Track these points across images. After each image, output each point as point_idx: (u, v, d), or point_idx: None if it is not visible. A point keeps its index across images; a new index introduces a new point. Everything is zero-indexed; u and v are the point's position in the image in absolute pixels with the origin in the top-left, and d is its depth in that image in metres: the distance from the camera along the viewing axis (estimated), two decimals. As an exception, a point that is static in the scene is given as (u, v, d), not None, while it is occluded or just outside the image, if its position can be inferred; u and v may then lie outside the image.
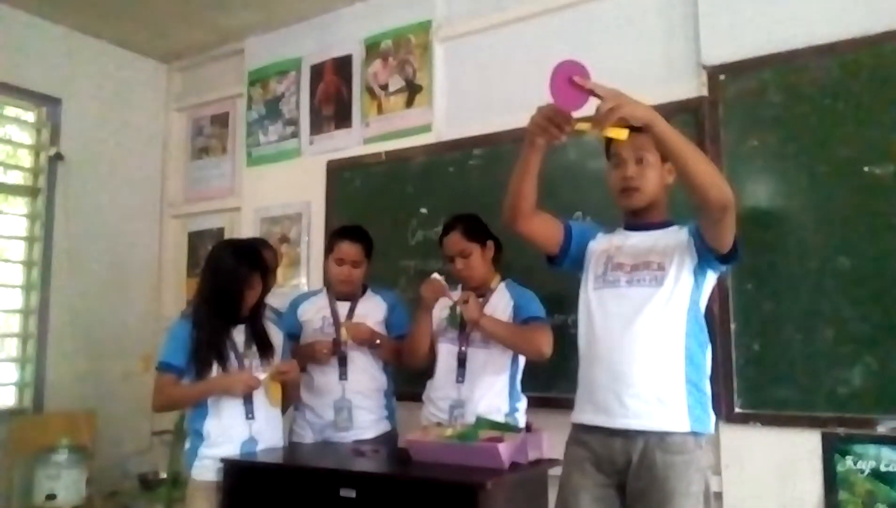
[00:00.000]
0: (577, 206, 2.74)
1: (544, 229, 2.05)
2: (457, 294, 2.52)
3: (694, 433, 1.83)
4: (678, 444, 1.81)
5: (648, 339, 1.86)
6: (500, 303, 2.56)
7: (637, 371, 1.85)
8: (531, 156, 1.87)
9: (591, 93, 1.68)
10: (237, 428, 2.46)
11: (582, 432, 1.95)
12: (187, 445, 2.53)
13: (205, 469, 2.44)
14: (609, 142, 1.96)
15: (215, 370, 2.45)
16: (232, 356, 2.49)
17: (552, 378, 2.67)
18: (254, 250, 2.63)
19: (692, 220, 1.91)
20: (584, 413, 1.94)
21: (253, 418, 2.48)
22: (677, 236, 1.94)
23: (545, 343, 2.44)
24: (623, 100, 1.64)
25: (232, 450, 2.44)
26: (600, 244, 2.04)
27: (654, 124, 1.67)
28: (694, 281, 1.90)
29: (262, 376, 2.47)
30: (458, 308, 2.44)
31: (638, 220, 2.01)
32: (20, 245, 3.82)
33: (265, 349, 2.55)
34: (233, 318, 2.52)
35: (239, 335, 2.54)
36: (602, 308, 1.95)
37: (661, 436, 1.82)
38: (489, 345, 2.52)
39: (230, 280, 2.48)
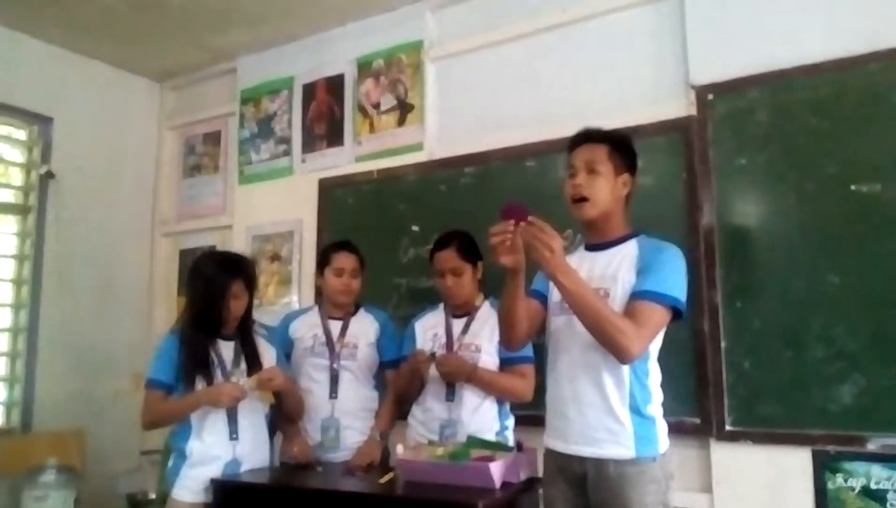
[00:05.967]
0: (568, 223, 2.74)
1: (536, 324, 2.09)
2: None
3: (639, 458, 1.86)
4: (629, 460, 1.86)
5: (597, 367, 1.90)
6: (488, 323, 2.55)
7: (588, 401, 1.90)
8: (510, 282, 1.90)
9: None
10: (220, 448, 2.41)
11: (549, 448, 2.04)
12: (170, 463, 2.49)
13: (184, 489, 2.39)
14: (569, 152, 2.03)
15: (201, 385, 2.40)
16: (218, 372, 2.44)
17: (540, 397, 2.65)
18: (235, 258, 2.58)
19: (646, 235, 1.99)
20: (547, 437, 2.03)
21: (237, 438, 2.43)
22: (629, 255, 1.95)
23: (524, 391, 2.50)
24: (556, 252, 1.74)
25: (214, 471, 2.38)
26: None
27: (557, 283, 1.79)
28: None
29: (244, 381, 2.40)
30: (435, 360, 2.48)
31: (595, 237, 2.04)
32: (10, 263, 3.80)
33: (254, 366, 2.49)
34: (216, 330, 2.48)
35: (228, 350, 2.50)
36: (561, 334, 2.00)
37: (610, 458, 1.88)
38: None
39: (210, 290, 2.43)
